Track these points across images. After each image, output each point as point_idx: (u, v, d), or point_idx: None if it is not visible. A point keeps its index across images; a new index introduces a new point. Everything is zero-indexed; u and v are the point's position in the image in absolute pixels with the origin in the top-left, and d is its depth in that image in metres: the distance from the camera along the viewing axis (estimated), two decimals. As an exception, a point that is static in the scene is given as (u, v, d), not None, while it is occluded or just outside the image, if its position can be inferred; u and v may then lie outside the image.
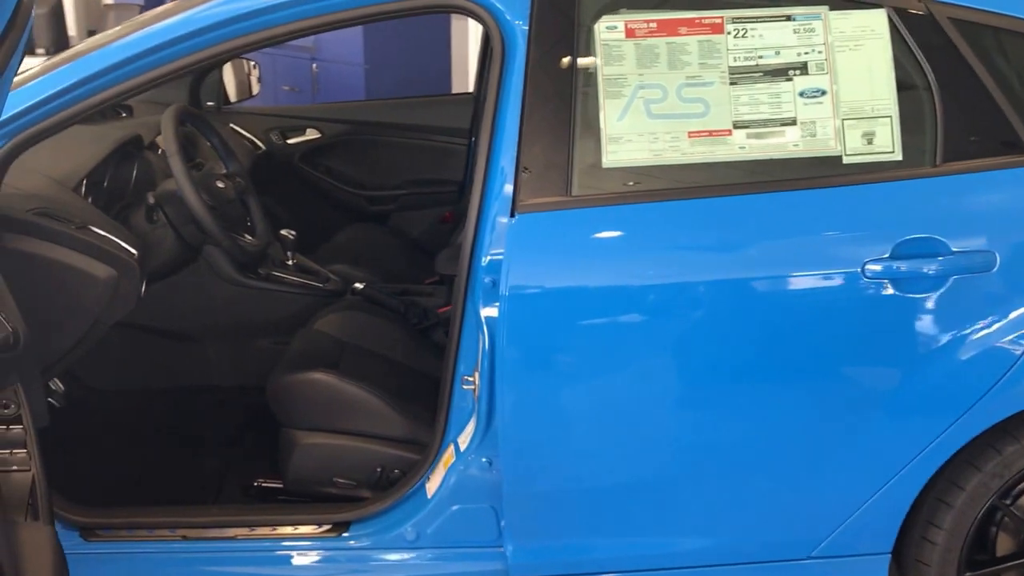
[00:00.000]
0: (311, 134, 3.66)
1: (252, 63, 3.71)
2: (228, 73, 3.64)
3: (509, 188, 1.82)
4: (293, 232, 2.89)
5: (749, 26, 1.84)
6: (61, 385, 2.33)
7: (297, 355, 2.40)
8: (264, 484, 2.36)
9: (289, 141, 3.63)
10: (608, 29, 1.84)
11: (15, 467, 1.50)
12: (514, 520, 1.94)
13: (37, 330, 1.98)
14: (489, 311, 1.81)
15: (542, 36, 1.85)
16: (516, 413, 1.83)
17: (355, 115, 3.75)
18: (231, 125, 3.48)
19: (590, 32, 1.84)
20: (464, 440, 1.97)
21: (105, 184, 2.41)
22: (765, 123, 1.83)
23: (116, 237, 2.16)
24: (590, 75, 1.83)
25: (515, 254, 1.78)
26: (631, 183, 1.83)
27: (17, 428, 1.53)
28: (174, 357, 2.87)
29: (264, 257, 2.79)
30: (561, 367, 1.84)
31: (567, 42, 1.84)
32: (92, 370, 2.46)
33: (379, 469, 2.21)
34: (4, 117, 1.94)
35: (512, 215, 1.81)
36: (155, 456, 2.60)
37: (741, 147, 1.83)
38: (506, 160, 1.84)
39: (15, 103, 1.93)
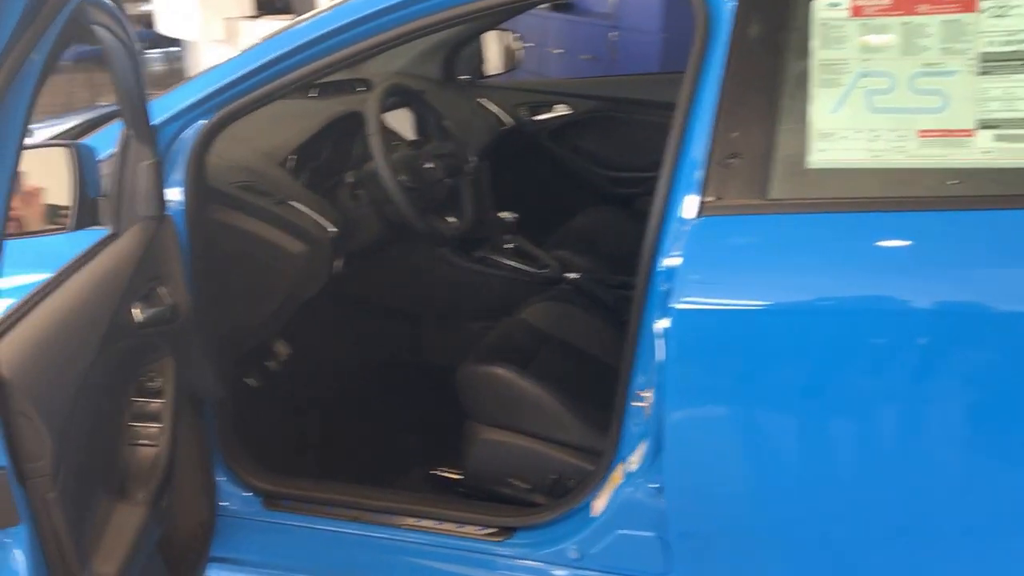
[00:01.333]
0: (559, 110, 3.54)
1: (515, 35, 3.63)
2: (489, 44, 3.60)
3: (697, 184, 1.60)
4: (514, 214, 2.80)
5: (1012, 2, 1.50)
6: (288, 349, 2.38)
7: (492, 344, 2.30)
8: (443, 474, 2.30)
9: (536, 118, 3.53)
10: (830, 6, 1.57)
11: (144, 441, 1.50)
12: (682, 556, 1.74)
13: (231, 300, 2.01)
14: (664, 323, 1.61)
15: (751, 12, 1.60)
16: (683, 440, 1.62)
17: (607, 91, 3.58)
18: (479, 99, 3.43)
19: (808, 9, 1.58)
20: (635, 461, 1.79)
21: (321, 159, 2.42)
22: (1022, 124, 1.49)
23: (316, 214, 2.16)
24: (803, 59, 1.57)
25: (693, 261, 1.56)
26: (841, 187, 1.55)
27: (157, 403, 1.53)
28: (388, 332, 2.87)
29: (481, 239, 2.72)
30: (740, 395, 1.59)
31: (780, 20, 1.59)
32: (308, 339, 2.50)
33: (555, 476, 2.07)
34: (213, 89, 1.97)
35: (697, 215, 1.59)
36: (354, 429, 2.62)
37: (986, 151, 1.50)
38: (697, 151, 1.61)
39: (222, 75, 1.96)
